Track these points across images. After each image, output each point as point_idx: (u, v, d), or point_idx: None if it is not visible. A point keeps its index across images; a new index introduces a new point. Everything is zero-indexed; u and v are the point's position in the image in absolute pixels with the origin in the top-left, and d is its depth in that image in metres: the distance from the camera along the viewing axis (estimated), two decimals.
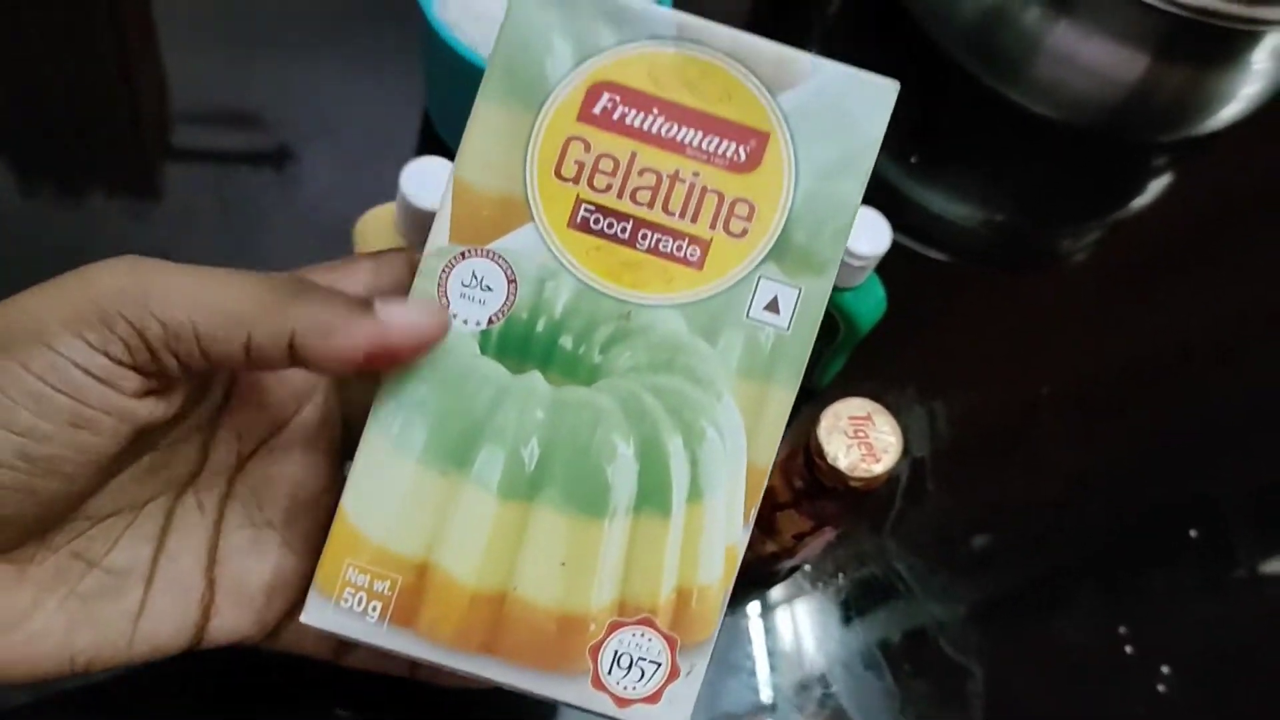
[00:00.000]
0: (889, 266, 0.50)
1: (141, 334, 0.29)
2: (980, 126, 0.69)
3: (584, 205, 0.33)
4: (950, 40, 0.67)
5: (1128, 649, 0.52)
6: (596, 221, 0.33)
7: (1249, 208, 0.73)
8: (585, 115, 0.33)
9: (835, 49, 0.71)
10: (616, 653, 0.33)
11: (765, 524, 0.46)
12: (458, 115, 0.57)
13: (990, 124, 0.69)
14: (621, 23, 0.33)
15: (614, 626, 0.33)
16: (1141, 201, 0.72)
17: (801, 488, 0.43)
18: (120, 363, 0.29)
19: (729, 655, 0.49)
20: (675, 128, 0.33)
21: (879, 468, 0.40)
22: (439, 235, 0.33)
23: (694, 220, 0.33)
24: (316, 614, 0.32)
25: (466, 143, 0.33)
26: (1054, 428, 0.58)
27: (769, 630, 0.50)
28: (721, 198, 0.33)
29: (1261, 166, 0.75)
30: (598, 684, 0.33)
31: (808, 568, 0.52)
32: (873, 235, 0.47)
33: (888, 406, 0.54)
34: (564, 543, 0.33)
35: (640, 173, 0.33)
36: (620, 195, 0.33)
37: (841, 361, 0.53)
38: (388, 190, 0.44)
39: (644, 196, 0.33)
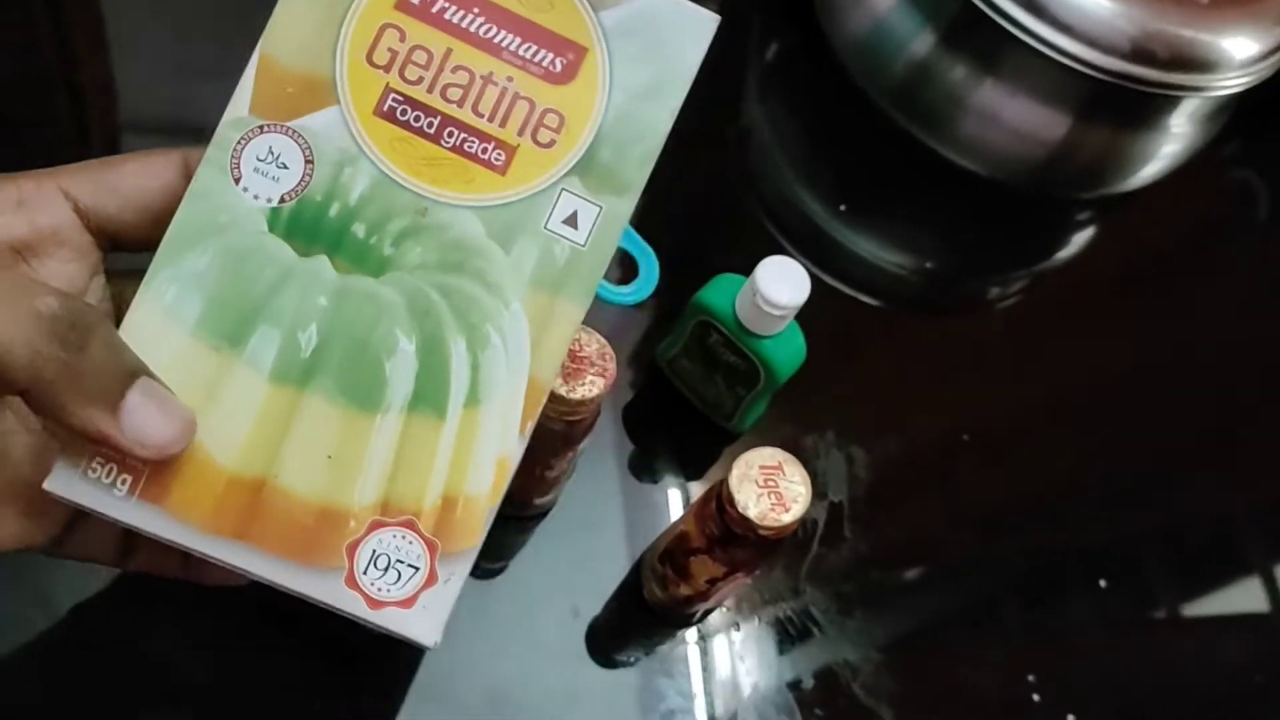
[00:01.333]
0: (815, 309, 0.51)
1: None
2: (909, 178, 0.71)
3: (392, 94, 0.33)
4: (881, 94, 0.68)
5: (1035, 697, 0.53)
6: (404, 113, 0.33)
7: (1166, 261, 0.76)
8: (404, 4, 0.33)
9: (770, 97, 0.73)
10: (374, 552, 0.32)
11: (679, 568, 0.46)
12: None
13: (919, 176, 0.70)
14: None
15: (375, 525, 0.32)
16: (1063, 253, 0.73)
17: (714, 534, 0.44)
18: None
19: (644, 695, 0.50)
20: (494, 30, 0.33)
21: (788, 517, 0.41)
22: (238, 106, 0.32)
23: (502, 125, 0.33)
24: (62, 483, 0.31)
25: (277, 15, 0.33)
26: (970, 473, 0.59)
27: (685, 671, 0.51)
28: (533, 105, 0.33)
29: (1178, 222, 0.77)
30: (351, 583, 0.32)
31: (724, 609, 0.52)
32: (793, 286, 0.48)
33: (806, 451, 0.56)
34: (333, 434, 0.32)
35: (453, 70, 0.33)
36: (430, 90, 0.33)
37: (762, 407, 0.54)
38: None
39: (454, 94, 0.33)
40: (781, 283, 0.47)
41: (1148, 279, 0.74)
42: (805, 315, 0.51)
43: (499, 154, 0.33)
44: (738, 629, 0.52)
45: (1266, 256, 0.78)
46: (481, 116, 0.33)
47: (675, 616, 0.51)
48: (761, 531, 0.41)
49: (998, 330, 0.69)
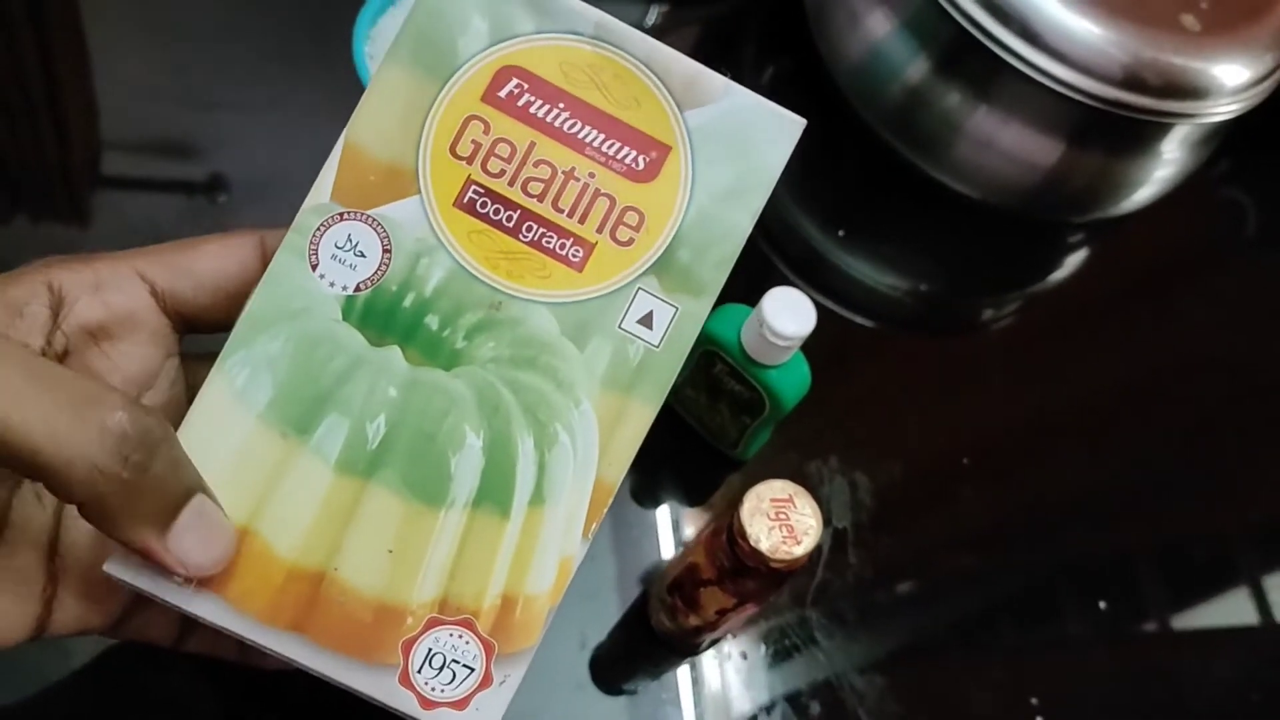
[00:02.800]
0: (815, 334, 0.52)
1: None
2: (906, 201, 0.71)
3: (474, 186, 0.32)
4: (876, 118, 0.69)
5: (1039, 719, 0.54)
6: (484, 205, 0.32)
7: (1158, 282, 0.77)
8: (490, 96, 0.32)
9: None
10: (430, 651, 0.31)
11: (689, 599, 0.47)
12: None
13: (915, 201, 0.71)
14: (542, 12, 0.33)
15: (432, 623, 0.31)
16: (1057, 275, 0.74)
17: (725, 566, 0.44)
18: None
19: None
20: (579, 125, 0.33)
21: (799, 550, 0.41)
22: (320, 193, 0.32)
23: (582, 221, 0.33)
24: (120, 566, 0.30)
25: (365, 104, 0.32)
26: (972, 495, 0.60)
27: (692, 699, 0.51)
28: (613, 203, 0.33)
29: (1169, 243, 0.78)
30: (405, 681, 0.31)
31: (730, 636, 0.52)
32: (798, 316, 0.48)
33: (810, 477, 0.56)
34: (395, 528, 0.31)
35: (536, 164, 0.32)
36: (512, 183, 0.32)
37: (766, 435, 0.54)
38: None
39: (535, 188, 0.32)
40: (788, 314, 0.48)
41: (1140, 299, 0.75)
42: (806, 341, 0.52)
43: (577, 250, 0.33)
44: (744, 656, 0.52)
45: (1256, 275, 0.79)
46: (561, 212, 0.33)
47: (682, 646, 0.51)
48: (773, 564, 0.41)
49: (994, 351, 0.69)
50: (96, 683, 0.46)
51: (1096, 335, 0.72)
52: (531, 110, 0.33)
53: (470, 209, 0.32)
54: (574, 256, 0.33)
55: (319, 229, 0.32)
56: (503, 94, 0.33)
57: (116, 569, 0.31)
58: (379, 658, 0.31)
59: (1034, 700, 0.54)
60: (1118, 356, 0.70)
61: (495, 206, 0.32)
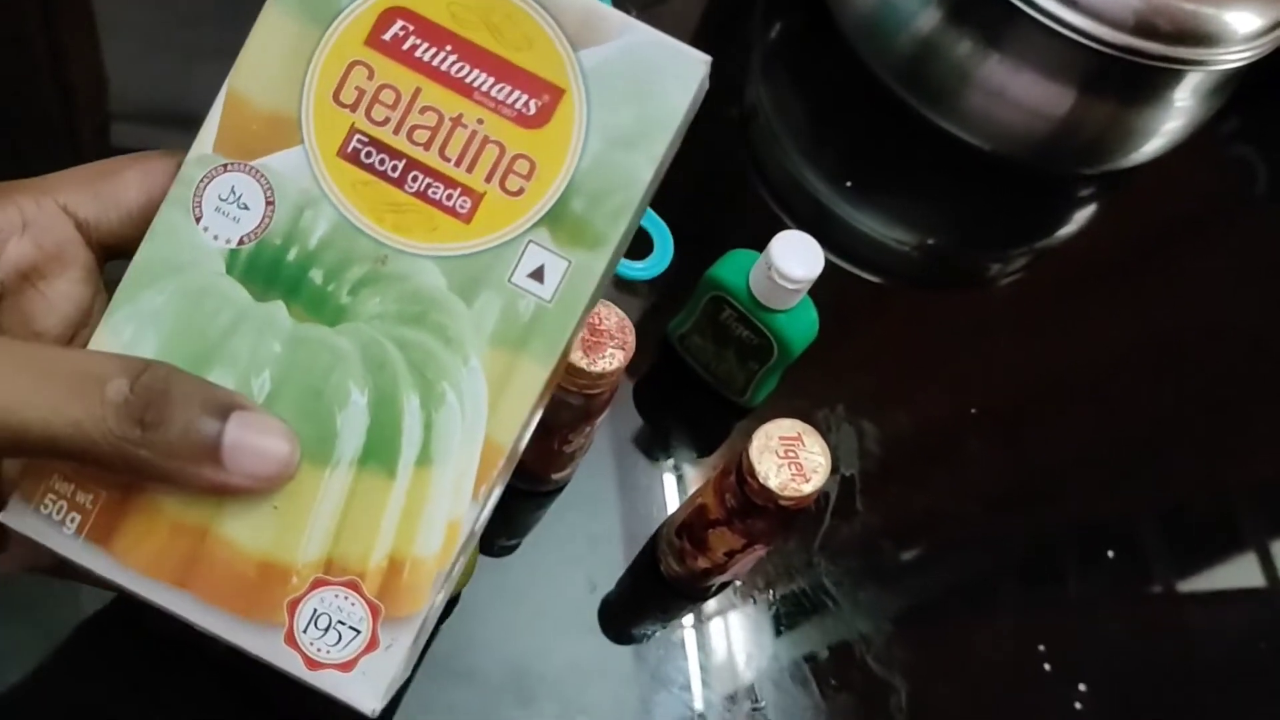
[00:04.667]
0: (822, 287, 0.52)
1: None
2: (914, 154, 0.71)
3: (357, 135, 0.31)
4: (886, 69, 0.68)
5: (1046, 666, 0.54)
6: (368, 155, 0.31)
7: (1169, 237, 0.76)
8: (374, 40, 0.31)
9: (776, 76, 0.73)
10: (315, 611, 0.31)
11: (698, 540, 0.47)
12: None
13: (924, 152, 0.70)
14: None
15: (317, 583, 0.31)
16: (1067, 229, 0.74)
17: (733, 506, 0.44)
18: None
19: (661, 669, 0.50)
20: (467, 69, 0.31)
21: (808, 487, 0.41)
22: (203, 143, 0.31)
23: (470, 170, 0.31)
24: (15, 516, 0.30)
25: (246, 52, 0.31)
26: (979, 447, 0.60)
27: (699, 644, 0.51)
28: (503, 150, 0.31)
29: (1179, 199, 0.77)
30: (290, 641, 0.31)
31: (738, 583, 0.52)
32: (807, 259, 0.48)
33: (817, 425, 0.55)
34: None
35: (422, 110, 0.31)
36: (397, 131, 0.31)
37: (774, 382, 0.54)
38: None
39: (421, 136, 0.31)
40: (796, 256, 0.48)
41: (1149, 255, 0.74)
42: (812, 291, 0.51)
43: (465, 201, 0.31)
44: (752, 602, 0.52)
45: (1266, 232, 0.79)
46: (448, 161, 0.31)
47: (691, 589, 0.51)
48: (782, 502, 0.41)
49: (1002, 306, 0.69)
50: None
51: (1105, 292, 0.71)
52: (417, 54, 0.31)
53: (354, 159, 0.31)
54: (461, 208, 0.31)
55: (202, 181, 0.31)
56: (387, 37, 0.31)
57: (10, 519, 0.31)
58: (264, 616, 0.31)
59: (1041, 647, 0.54)
60: (1126, 314, 0.70)
61: (380, 156, 0.31)
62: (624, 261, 0.47)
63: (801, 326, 0.51)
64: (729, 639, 0.52)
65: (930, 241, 0.70)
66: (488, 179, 0.31)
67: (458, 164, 0.31)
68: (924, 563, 0.56)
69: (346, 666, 0.31)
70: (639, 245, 0.48)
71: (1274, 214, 0.81)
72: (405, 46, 0.31)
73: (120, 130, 0.59)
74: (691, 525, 0.47)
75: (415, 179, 0.31)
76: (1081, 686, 0.53)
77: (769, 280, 0.48)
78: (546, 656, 0.49)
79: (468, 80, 0.31)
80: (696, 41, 0.75)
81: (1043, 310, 0.69)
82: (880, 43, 0.68)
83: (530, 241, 0.31)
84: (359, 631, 0.31)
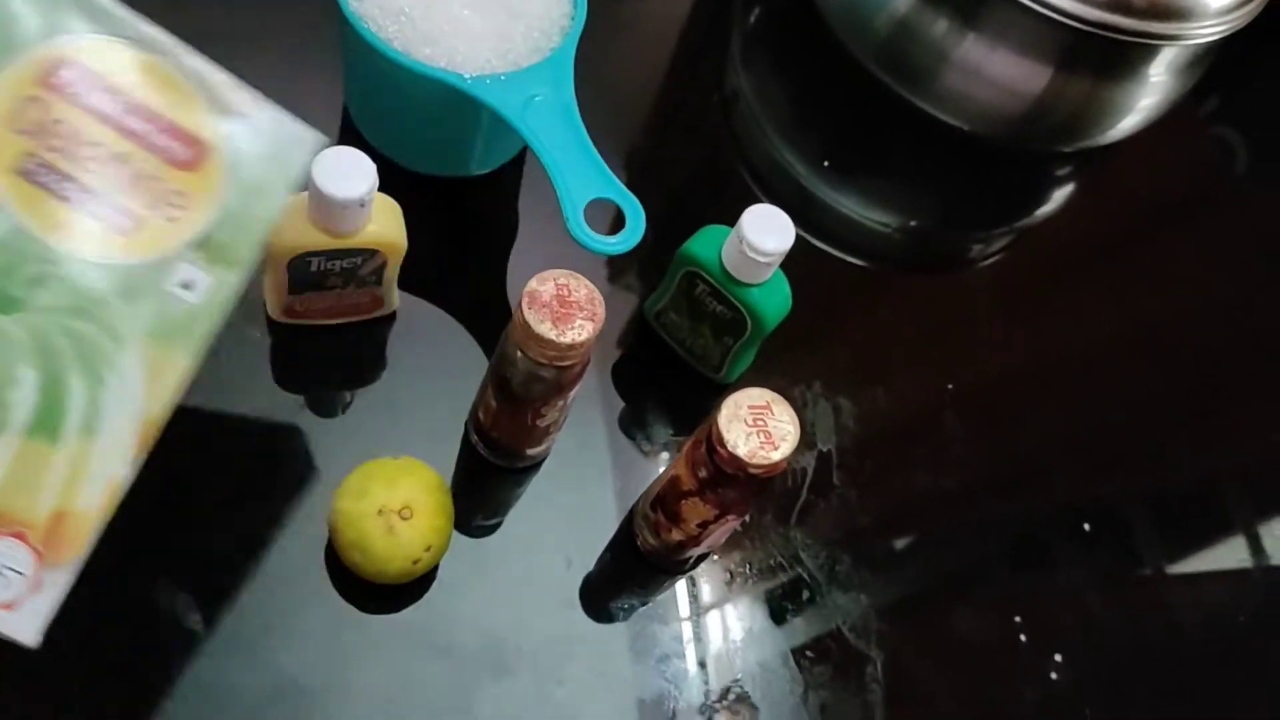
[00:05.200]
0: (800, 267, 0.52)
1: None
2: (894, 135, 0.71)
3: (33, 158, 0.37)
4: (864, 51, 0.69)
5: (1023, 637, 0.54)
6: (42, 175, 0.37)
7: (1151, 216, 0.76)
8: (48, 83, 0.37)
9: (755, 59, 0.73)
10: None
11: (671, 513, 0.47)
12: (373, 108, 0.58)
13: (903, 133, 0.71)
14: (96, 17, 0.38)
15: None
16: (1047, 208, 0.74)
17: (705, 476, 0.44)
18: None
19: (637, 642, 0.50)
20: (133, 118, 0.38)
21: (777, 455, 0.42)
22: None
23: (133, 198, 0.38)
24: None
25: None
26: (957, 424, 0.60)
27: (676, 617, 0.51)
28: (163, 185, 0.38)
29: (1159, 179, 0.78)
30: None
31: (715, 557, 0.53)
32: (778, 232, 0.48)
33: (794, 401, 0.56)
34: None
35: (93, 145, 0.37)
36: (69, 160, 0.37)
37: (750, 357, 0.55)
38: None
39: (93, 167, 0.37)
40: (767, 229, 0.48)
41: (1131, 235, 0.75)
42: (790, 271, 0.52)
43: (128, 222, 0.38)
44: (730, 576, 0.53)
45: (1246, 214, 0.79)
46: (115, 190, 0.37)
47: (668, 563, 0.51)
48: (751, 469, 0.42)
49: (981, 285, 0.69)
50: None
51: (1087, 272, 0.71)
52: (91, 101, 0.38)
53: (29, 177, 0.37)
54: (125, 227, 0.38)
55: None
56: (60, 82, 0.37)
57: None
58: None
59: (1018, 619, 0.55)
60: (1108, 293, 0.70)
61: (53, 178, 0.37)
62: (597, 237, 0.48)
63: (774, 300, 0.51)
64: (705, 613, 0.52)
65: (913, 223, 0.71)
66: (149, 207, 0.38)
67: (123, 192, 0.38)
68: (900, 537, 0.57)
69: (10, 606, 0.36)
70: (612, 219, 0.48)
71: (1254, 195, 0.81)
72: (76, 90, 0.38)
73: None
74: (665, 497, 0.47)
75: (85, 200, 0.37)
76: (1058, 657, 0.54)
77: (740, 254, 0.48)
78: (524, 630, 0.49)
79: (134, 129, 0.38)
80: (684, 28, 0.76)
81: (1024, 290, 0.69)
82: (858, 25, 0.69)
83: (184, 260, 0.38)
84: (23, 574, 0.36)
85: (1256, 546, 0.63)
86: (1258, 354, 0.71)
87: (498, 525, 0.52)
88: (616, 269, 0.60)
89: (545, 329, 0.42)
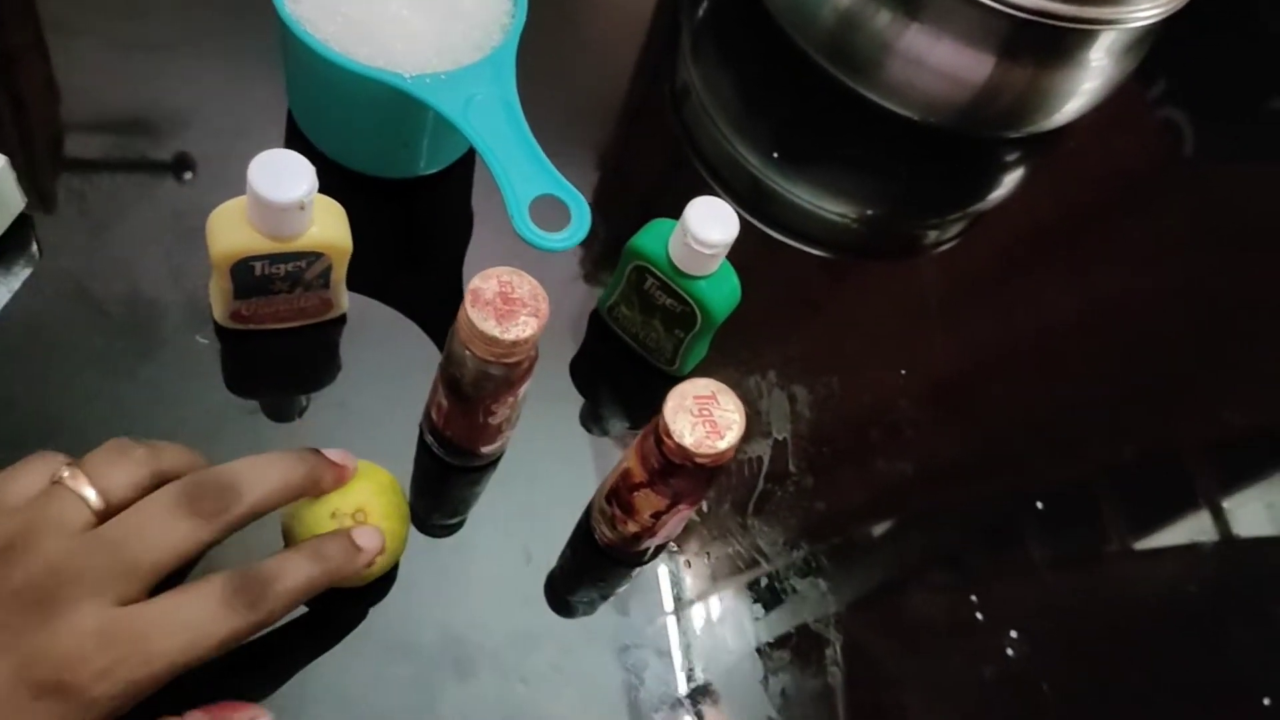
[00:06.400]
0: (753, 257, 0.52)
1: None
2: (841, 124, 0.72)
3: None
4: (810, 42, 0.69)
5: (979, 616, 0.55)
6: None
7: (1099, 197, 0.77)
8: None
9: (703, 54, 0.74)
10: None
11: (625, 505, 0.47)
12: (316, 111, 0.58)
13: (850, 122, 0.71)
14: None
15: None
16: (998, 194, 0.75)
17: (655, 467, 0.45)
18: None
19: (599, 635, 0.51)
20: None
21: (723, 444, 0.42)
22: None
23: None
24: None
25: None
26: (912, 409, 0.61)
27: (636, 609, 0.52)
28: None
29: (1109, 158, 0.79)
30: None
31: (674, 547, 0.53)
32: (722, 224, 0.49)
33: (749, 392, 0.57)
34: None
35: None
36: None
37: (703, 349, 0.55)
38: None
39: None
40: (711, 221, 0.48)
41: (1082, 218, 0.76)
42: (743, 262, 0.52)
43: None
44: (689, 565, 0.53)
45: (1196, 192, 0.80)
46: None
47: (626, 555, 0.52)
48: (698, 459, 0.42)
49: (936, 272, 0.70)
50: None
51: (1039, 256, 0.72)
52: None
53: None
54: None
55: None
56: None
57: None
58: None
59: (974, 598, 0.55)
60: (1060, 276, 0.71)
61: None
62: (542, 233, 0.48)
63: (723, 292, 0.51)
64: (667, 602, 0.52)
65: (866, 211, 0.71)
66: None
67: None
68: (857, 522, 0.57)
69: None
70: (557, 217, 0.49)
71: (1202, 176, 0.82)
72: None
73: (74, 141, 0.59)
74: (618, 490, 0.48)
75: None
76: (1014, 634, 0.54)
77: (686, 246, 0.49)
78: (485, 628, 0.49)
79: None
80: (630, 27, 0.76)
81: (979, 275, 0.70)
82: (804, 17, 0.69)
83: None
84: None
85: (1212, 521, 0.64)
86: (1212, 331, 0.72)
87: (457, 524, 0.52)
88: (572, 265, 0.61)
89: (489, 326, 0.42)
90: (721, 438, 0.42)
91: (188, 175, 0.57)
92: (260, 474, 0.41)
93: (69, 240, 0.54)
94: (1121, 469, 0.65)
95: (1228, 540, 0.63)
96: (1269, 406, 0.71)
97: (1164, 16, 0.63)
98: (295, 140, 0.59)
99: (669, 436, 0.42)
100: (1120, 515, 0.62)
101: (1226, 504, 0.64)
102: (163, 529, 0.39)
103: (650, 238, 0.51)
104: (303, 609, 0.47)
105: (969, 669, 0.54)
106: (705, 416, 0.42)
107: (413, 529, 0.49)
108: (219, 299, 0.50)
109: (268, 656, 0.46)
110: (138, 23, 0.62)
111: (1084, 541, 0.61)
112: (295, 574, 0.41)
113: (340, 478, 0.45)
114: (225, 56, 0.61)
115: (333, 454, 0.45)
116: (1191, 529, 0.63)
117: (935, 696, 0.53)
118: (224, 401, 0.51)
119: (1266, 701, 0.57)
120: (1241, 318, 0.74)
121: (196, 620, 0.38)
